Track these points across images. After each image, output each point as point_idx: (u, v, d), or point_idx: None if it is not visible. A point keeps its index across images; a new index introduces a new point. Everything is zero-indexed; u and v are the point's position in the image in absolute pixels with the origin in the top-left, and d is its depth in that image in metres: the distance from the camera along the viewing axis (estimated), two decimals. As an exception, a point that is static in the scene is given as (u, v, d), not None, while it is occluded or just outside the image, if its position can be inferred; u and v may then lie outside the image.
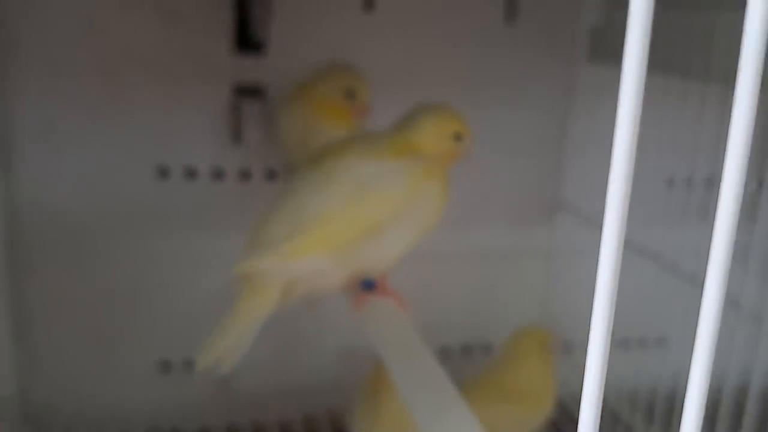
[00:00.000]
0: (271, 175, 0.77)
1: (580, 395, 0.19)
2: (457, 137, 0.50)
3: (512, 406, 0.72)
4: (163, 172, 0.74)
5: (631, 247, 0.75)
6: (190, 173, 0.75)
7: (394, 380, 0.40)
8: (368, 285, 0.49)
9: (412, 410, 0.37)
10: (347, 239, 0.46)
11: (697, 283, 0.67)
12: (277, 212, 0.48)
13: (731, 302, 0.64)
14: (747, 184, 0.18)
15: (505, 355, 0.75)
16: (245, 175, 0.76)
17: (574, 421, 0.80)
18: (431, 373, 0.40)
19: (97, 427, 0.78)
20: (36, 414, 0.77)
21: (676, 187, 0.80)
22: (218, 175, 0.75)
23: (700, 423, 0.20)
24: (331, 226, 0.46)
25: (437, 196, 0.48)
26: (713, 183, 0.83)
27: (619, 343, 0.83)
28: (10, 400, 0.73)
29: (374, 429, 0.63)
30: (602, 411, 0.63)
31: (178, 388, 0.81)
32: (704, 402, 0.19)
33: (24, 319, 0.74)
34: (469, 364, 0.91)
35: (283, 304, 0.49)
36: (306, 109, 0.63)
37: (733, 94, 0.17)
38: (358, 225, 0.47)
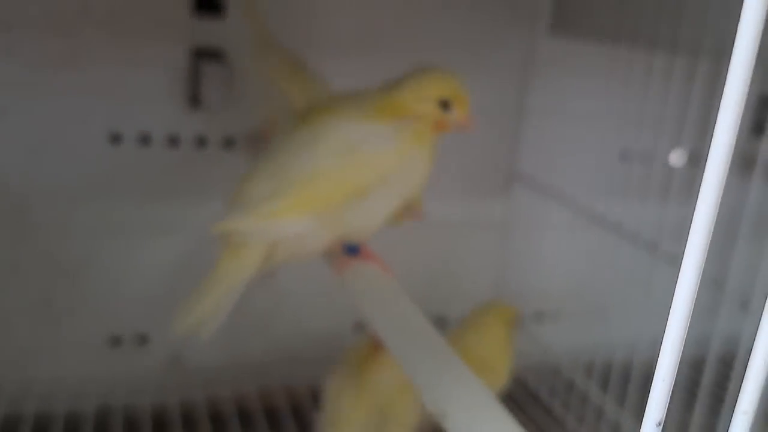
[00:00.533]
0: (228, 142, 0.75)
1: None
2: (444, 104, 0.48)
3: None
4: (116, 138, 0.71)
5: (591, 217, 0.77)
6: (144, 139, 0.72)
7: (386, 343, 0.40)
8: (352, 250, 0.48)
9: (408, 371, 0.37)
10: (333, 201, 0.45)
11: (657, 253, 0.69)
12: (261, 170, 0.47)
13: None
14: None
15: (467, 327, 0.75)
16: (201, 142, 0.74)
17: (528, 393, 0.82)
18: (426, 335, 0.39)
19: (45, 403, 0.75)
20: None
21: (634, 160, 0.83)
22: (173, 141, 0.73)
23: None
24: (318, 186, 0.45)
25: (424, 161, 0.48)
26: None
27: (577, 312, 0.85)
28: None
29: (357, 403, 0.63)
30: (559, 380, 0.65)
31: (129, 364, 0.79)
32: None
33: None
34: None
35: (265, 268, 0.48)
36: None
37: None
38: (345, 187, 0.45)
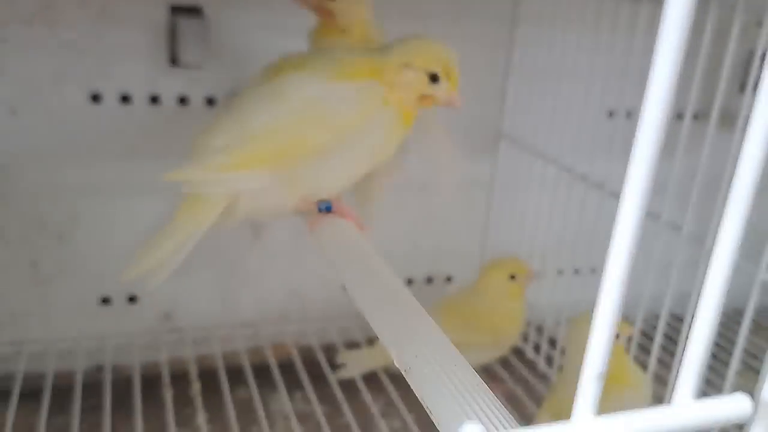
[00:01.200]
0: (210, 101, 0.75)
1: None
2: (433, 77, 0.46)
3: (479, 335, 0.74)
4: (96, 97, 0.71)
5: (575, 176, 0.77)
6: (125, 98, 0.72)
7: (356, 302, 0.40)
8: (326, 207, 0.48)
9: (375, 327, 0.37)
10: (291, 158, 0.45)
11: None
12: (220, 122, 0.46)
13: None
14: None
15: (477, 285, 0.77)
16: (183, 100, 0.74)
17: (513, 349, 0.83)
18: (395, 292, 0.40)
19: (37, 363, 0.76)
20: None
21: (618, 118, 0.82)
22: (154, 100, 0.73)
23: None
24: (274, 141, 0.45)
25: (395, 126, 0.47)
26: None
27: (561, 269, 0.86)
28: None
29: None
30: (542, 337, 0.66)
31: (119, 323, 0.80)
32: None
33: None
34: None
35: (228, 223, 0.48)
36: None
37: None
38: (303, 144, 0.45)
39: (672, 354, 0.71)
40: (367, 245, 0.46)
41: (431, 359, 0.34)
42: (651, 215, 0.65)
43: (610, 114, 0.87)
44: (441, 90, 0.47)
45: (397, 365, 0.35)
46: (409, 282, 0.91)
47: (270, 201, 0.47)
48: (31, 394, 0.74)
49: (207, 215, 0.46)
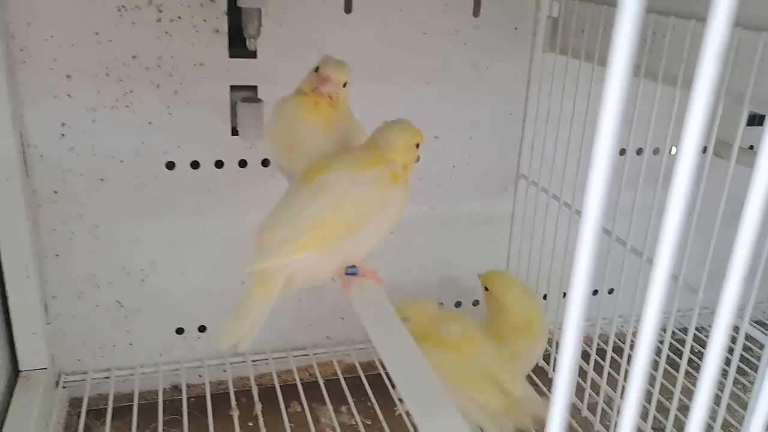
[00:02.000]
0: (265, 162, 0.87)
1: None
2: (417, 146, 0.62)
3: (520, 340, 0.84)
4: (171, 165, 0.84)
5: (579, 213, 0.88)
6: (194, 164, 0.85)
7: (378, 350, 0.54)
8: (352, 271, 0.62)
9: (395, 381, 0.50)
10: (334, 238, 0.58)
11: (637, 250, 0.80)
12: (277, 220, 0.59)
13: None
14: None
15: (492, 300, 0.87)
16: (242, 163, 0.86)
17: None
18: (403, 341, 0.54)
19: (124, 385, 0.91)
20: (68, 381, 0.89)
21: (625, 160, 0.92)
22: (219, 164, 0.85)
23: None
24: (321, 229, 0.58)
25: (401, 195, 0.60)
26: (658, 152, 0.96)
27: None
28: (45, 373, 0.84)
29: None
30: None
31: (192, 349, 0.94)
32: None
33: (52, 299, 0.85)
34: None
35: (287, 291, 0.61)
36: (290, 107, 0.67)
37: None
38: (341, 227, 0.58)
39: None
40: (386, 302, 0.59)
41: (433, 405, 0.47)
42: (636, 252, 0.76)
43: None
44: (416, 155, 0.63)
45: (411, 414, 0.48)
46: (440, 306, 1.03)
47: (317, 272, 0.60)
48: (121, 411, 0.89)
49: (274, 289, 0.59)
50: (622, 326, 1.05)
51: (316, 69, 0.65)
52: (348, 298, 0.63)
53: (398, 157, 0.60)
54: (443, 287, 1.03)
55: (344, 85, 0.65)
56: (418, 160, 0.63)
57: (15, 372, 0.84)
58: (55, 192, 0.81)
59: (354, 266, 0.62)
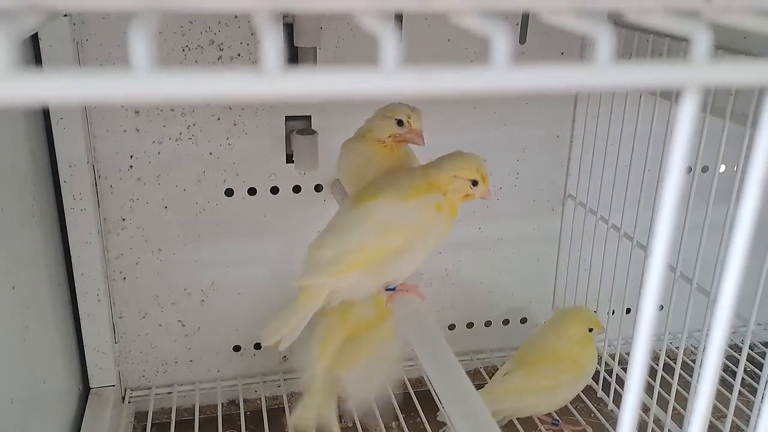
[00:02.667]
0: (317, 188, 0.92)
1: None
2: (473, 183, 0.64)
3: (563, 377, 0.87)
4: (229, 192, 0.89)
5: (624, 235, 0.90)
6: (251, 191, 0.90)
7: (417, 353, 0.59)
8: (391, 288, 0.67)
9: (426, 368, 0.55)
10: (376, 262, 0.63)
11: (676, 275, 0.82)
12: (326, 240, 0.65)
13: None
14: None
15: (549, 327, 0.90)
16: (296, 189, 0.91)
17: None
18: (444, 352, 0.58)
19: (186, 400, 0.96)
20: (133, 396, 0.95)
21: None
22: (274, 190, 0.90)
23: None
24: (365, 254, 0.62)
25: (444, 224, 0.64)
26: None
27: (615, 311, 0.99)
28: (114, 389, 0.90)
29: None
30: (606, 371, 0.79)
31: (248, 366, 0.99)
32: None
33: (119, 319, 0.91)
34: (491, 336, 1.07)
35: (329, 303, 0.66)
36: (364, 152, 0.72)
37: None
38: (384, 251, 0.62)
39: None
40: (429, 317, 0.64)
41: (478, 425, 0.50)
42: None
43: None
44: (478, 190, 0.64)
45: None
46: (488, 323, 1.07)
47: (359, 290, 0.66)
48: (183, 424, 0.94)
49: (317, 301, 0.64)
50: (670, 343, 1.07)
51: (392, 116, 0.70)
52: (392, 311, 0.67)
53: (443, 186, 0.63)
54: (490, 306, 1.06)
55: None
56: (475, 197, 0.65)
57: (86, 389, 0.90)
58: (123, 219, 0.87)
59: (392, 286, 0.66)
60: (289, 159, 0.89)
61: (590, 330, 0.86)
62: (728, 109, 0.69)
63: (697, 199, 0.76)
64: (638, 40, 0.82)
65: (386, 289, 0.68)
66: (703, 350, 0.80)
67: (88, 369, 0.89)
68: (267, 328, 0.65)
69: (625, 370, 0.96)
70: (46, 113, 0.78)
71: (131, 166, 0.85)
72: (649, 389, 0.88)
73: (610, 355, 0.99)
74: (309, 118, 0.88)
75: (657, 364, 0.86)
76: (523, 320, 1.08)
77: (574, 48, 0.94)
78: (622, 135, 0.87)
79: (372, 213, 0.63)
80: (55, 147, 0.79)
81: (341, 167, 0.75)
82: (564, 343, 0.87)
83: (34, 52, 0.77)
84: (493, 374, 1.06)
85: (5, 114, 0.70)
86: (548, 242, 1.03)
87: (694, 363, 0.84)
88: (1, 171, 0.67)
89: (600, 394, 0.99)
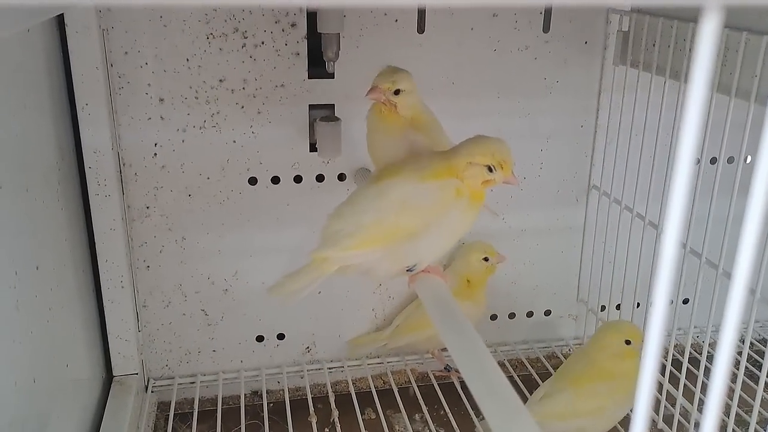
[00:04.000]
0: (341, 177, 0.93)
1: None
2: (489, 169, 0.63)
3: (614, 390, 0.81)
4: (253, 180, 0.90)
5: (651, 224, 0.90)
6: (275, 179, 0.91)
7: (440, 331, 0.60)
8: (411, 270, 0.68)
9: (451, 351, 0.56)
10: (390, 241, 0.63)
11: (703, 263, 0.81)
12: (344, 212, 0.66)
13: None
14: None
15: (592, 343, 0.84)
16: (320, 178, 0.92)
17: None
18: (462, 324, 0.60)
19: (209, 390, 0.97)
20: (156, 386, 0.96)
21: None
22: (297, 179, 0.91)
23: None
24: (379, 230, 0.63)
25: (464, 210, 0.64)
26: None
27: (641, 304, 0.99)
28: (137, 378, 0.92)
29: None
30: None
31: (271, 356, 1.00)
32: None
33: (142, 308, 0.93)
34: (515, 328, 1.08)
35: (342, 274, 0.67)
36: (369, 115, 0.74)
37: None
38: (399, 230, 0.63)
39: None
40: (446, 291, 0.65)
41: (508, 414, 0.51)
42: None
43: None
44: (497, 176, 0.64)
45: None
46: (511, 316, 1.07)
47: (374, 268, 0.66)
48: (206, 415, 0.96)
49: (327, 270, 0.65)
50: (697, 337, 1.06)
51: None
52: (414, 290, 0.70)
53: (459, 172, 0.64)
54: (513, 298, 1.06)
55: (396, 93, 0.70)
56: (497, 183, 0.65)
57: (109, 377, 0.91)
58: (147, 207, 0.89)
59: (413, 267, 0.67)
60: (313, 148, 0.90)
61: (628, 342, 0.82)
62: (753, 93, 0.69)
63: (723, 190, 0.76)
64: None
65: (407, 270, 0.68)
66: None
67: (111, 357, 0.91)
68: (276, 283, 0.66)
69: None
70: (72, 99, 0.80)
71: (155, 154, 0.86)
72: (675, 381, 0.88)
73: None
74: (332, 106, 0.89)
75: (682, 357, 0.86)
76: (547, 312, 1.08)
77: (598, 37, 0.94)
78: (646, 124, 0.87)
79: (390, 190, 0.64)
80: (80, 133, 0.81)
81: (368, 141, 0.76)
82: (603, 357, 0.82)
83: (60, 39, 0.79)
84: (517, 367, 1.06)
85: (32, 96, 0.71)
86: (572, 233, 1.04)
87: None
88: (27, 152, 0.69)
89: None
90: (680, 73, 0.80)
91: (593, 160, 1.00)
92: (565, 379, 0.84)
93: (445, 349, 0.99)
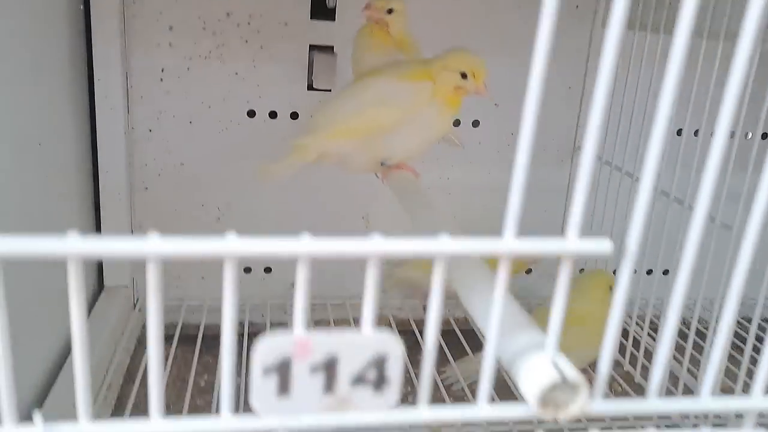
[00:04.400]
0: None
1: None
2: (463, 75, 0.68)
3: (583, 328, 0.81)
4: (251, 113, 0.95)
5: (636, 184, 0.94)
6: (272, 114, 0.96)
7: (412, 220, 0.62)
8: (388, 162, 0.72)
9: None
10: (367, 133, 0.68)
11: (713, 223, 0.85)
12: (327, 105, 0.72)
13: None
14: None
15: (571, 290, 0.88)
16: (315, 117, 0.97)
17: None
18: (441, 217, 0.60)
19: (193, 315, 1.02)
20: (144, 305, 1.01)
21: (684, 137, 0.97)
22: (294, 115, 0.97)
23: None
24: (355, 122, 0.69)
25: (438, 113, 0.69)
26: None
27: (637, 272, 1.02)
28: (126, 291, 0.97)
29: None
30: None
31: (257, 288, 1.04)
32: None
33: (138, 228, 0.98)
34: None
35: (320, 163, 0.72)
36: (359, 33, 0.80)
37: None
38: (375, 124, 0.68)
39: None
40: (420, 187, 0.68)
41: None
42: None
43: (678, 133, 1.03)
44: (469, 84, 0.68)
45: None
46: (492, 272, 1.11)
47: (352, 160, 0.71)
48: (188, 338, 1.00)
49: (307, 157, 0.71)
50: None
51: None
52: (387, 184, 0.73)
53: (435, 77, 0.68)
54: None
55: (389, 12, 0.75)
56: (469, 92, 0.69)
57: (100, 286, 0.96)
58: (150, 131, 0.94)
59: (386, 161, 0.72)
60: (311, 87, 0.95)
61: (611, 288, 0.85)
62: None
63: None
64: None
65: (381, 164, 0.73)
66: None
67: (104, 268, 0.95)
68: (260, 167, 0.73)
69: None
70: (88, 16, 0.86)
71: (161, 79, 0.92)
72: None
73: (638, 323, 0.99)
74: (332, 48, 0.94)
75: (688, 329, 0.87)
76: (528, 271, 1.12)
77: (589, 1, 0.99)
78: (638, 87, 0.90)
79: (369, 87, 0.70)
80: (93, 47, 0.86)
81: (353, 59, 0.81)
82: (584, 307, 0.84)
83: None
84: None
85: (49, 11, 0.77)
86: (557, 193, 1.08)
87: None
88: (40, 54, 0.74)
89: (627, 367, 0.97)
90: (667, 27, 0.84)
91: (580, 122, 1.04)
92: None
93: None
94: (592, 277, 0.89)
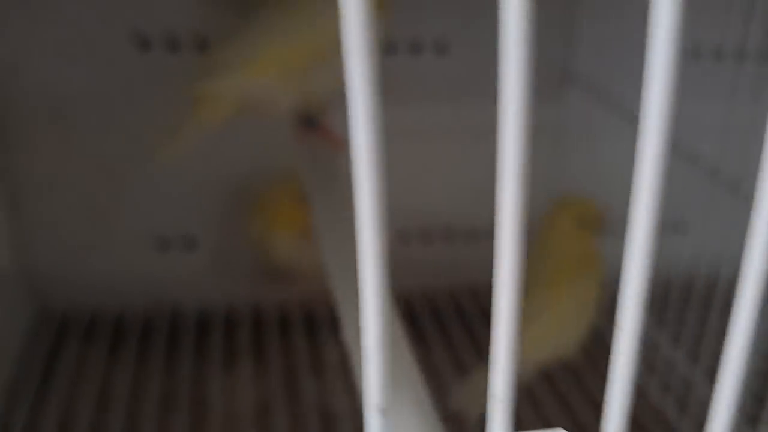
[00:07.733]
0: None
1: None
2: None
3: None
4: (144, 43, 0.76)
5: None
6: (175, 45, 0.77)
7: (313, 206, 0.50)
8: (311, 123, 0.57)
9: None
10: (296, 62, 0.55)
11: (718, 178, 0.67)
12: (236, 41, 0.57)
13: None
14: None
15: (538, 233, 0.67)
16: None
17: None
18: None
19: (98, 301, 0.85)
20: (38, 288, 0.84)
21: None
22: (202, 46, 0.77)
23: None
24: (282, 49, 0.56)
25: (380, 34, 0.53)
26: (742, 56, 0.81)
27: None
28: (8, 275, 0.79)
29: None
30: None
31: (176, 265, 0.86)
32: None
33: (17, 195, 0.80)
34: (473, 248, 0.93)
35: (234, 116, 0.59)
36: None
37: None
38: (306, 49, 0.55)
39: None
40: (337, 168, 0.55)
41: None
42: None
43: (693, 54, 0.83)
44: None
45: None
46: (471, 233, 0.92)
47: (272, 102, 0.58)
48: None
49: (223, 112, 0.57)
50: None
51: None
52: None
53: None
54: (477, 208, 0.91)
55: None
56: None
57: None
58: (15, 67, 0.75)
59: (315, 119, 0.54)
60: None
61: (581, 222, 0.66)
62: None
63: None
64: None
65: (305, 122, 0.59)
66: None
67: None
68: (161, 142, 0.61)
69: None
70: None
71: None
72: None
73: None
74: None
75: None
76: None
77: None
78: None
79: (299, 6, 0.57)
80: None
81: None
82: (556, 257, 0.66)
83: None
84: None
85: None
86: (544, 133, 0.88)
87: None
88: None
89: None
90: None
91: (573, 44, 0.84)
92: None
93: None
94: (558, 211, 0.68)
